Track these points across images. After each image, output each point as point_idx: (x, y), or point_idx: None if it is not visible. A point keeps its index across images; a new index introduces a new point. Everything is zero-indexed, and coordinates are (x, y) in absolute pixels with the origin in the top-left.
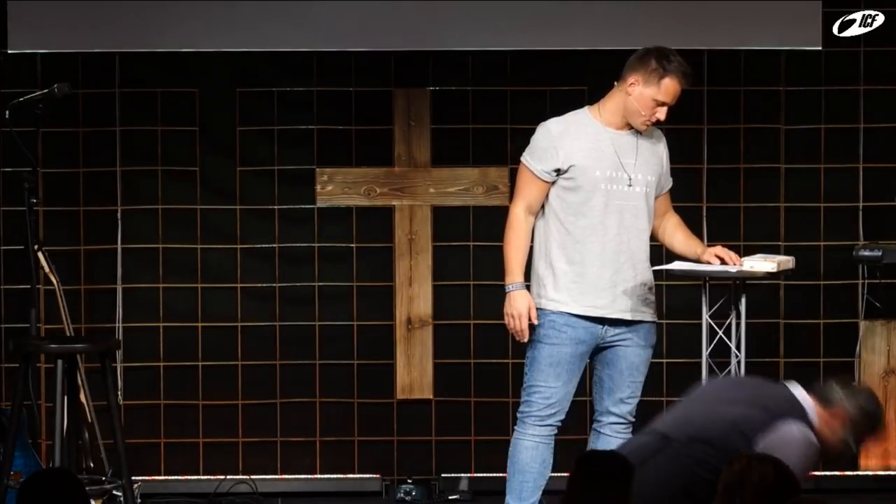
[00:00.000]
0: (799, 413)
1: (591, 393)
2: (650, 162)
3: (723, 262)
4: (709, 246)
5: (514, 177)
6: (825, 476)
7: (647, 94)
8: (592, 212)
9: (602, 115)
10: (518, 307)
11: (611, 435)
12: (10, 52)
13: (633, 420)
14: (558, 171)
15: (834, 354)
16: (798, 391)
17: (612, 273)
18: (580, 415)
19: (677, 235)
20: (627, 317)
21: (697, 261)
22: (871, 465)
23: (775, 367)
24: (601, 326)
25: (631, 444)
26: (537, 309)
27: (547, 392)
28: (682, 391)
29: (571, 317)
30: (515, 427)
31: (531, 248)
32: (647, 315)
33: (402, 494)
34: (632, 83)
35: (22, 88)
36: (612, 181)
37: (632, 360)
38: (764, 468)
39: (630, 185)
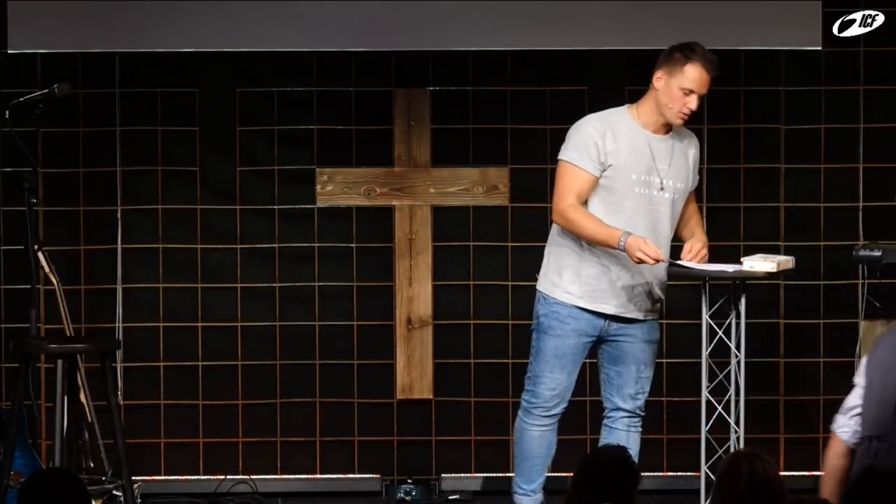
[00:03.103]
0: None
1: (599, 392)
2: (681, 168)
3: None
4: (709, 244)
5: (514, 177)
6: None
7: (674, 84)
8: (624, 213)
9: (640, 117)
10: (639, 245)
11: (623, 429)
12: (10, 52)
13: (644, 414)
14: (602, 167)
15: (834, 354)
16: None
17: (633, 275)
18: (580, 415)
19: (687, 222)
20: (640, 317)
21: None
22: None
23: (775, 367)
24: (604, 320)
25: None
26: (546, 297)
27: (552, 383)
28: (682, 391)
29: (576, 309)
30: (520, 414)
31: (554, 236)
32: (654, 314)
33: (402, 494)
34: (658, 77)
35: (22, 88)
36: (645, 185)
37: (638, 355)
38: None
39: (661, 190)
